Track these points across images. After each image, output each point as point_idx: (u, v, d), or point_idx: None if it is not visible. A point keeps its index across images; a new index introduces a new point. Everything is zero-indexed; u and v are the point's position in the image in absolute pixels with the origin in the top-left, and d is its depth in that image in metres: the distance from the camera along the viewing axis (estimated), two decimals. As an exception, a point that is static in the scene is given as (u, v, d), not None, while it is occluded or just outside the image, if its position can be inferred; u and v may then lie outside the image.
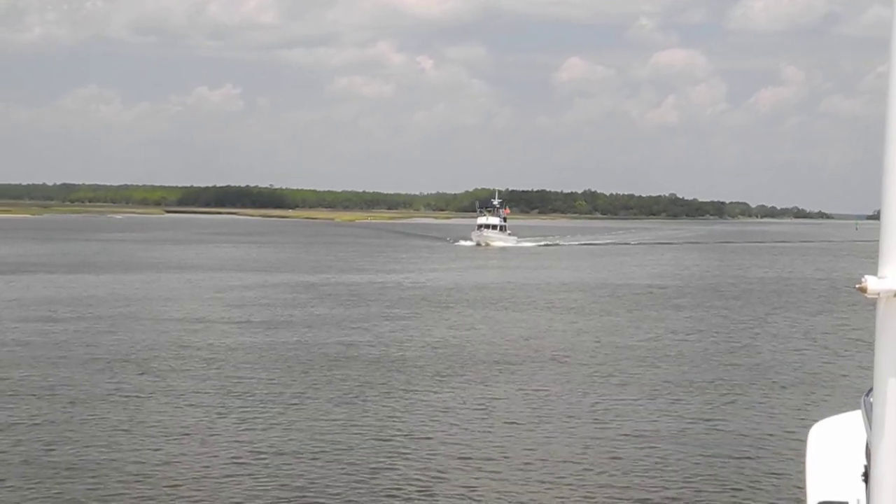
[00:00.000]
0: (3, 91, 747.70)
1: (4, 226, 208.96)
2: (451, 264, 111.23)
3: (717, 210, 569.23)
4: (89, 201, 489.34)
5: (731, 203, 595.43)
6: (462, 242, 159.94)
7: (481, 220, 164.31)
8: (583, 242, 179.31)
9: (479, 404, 33.79)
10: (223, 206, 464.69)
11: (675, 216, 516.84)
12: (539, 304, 67.39)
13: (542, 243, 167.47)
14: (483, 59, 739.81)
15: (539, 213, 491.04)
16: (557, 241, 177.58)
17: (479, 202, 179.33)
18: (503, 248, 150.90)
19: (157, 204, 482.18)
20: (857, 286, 4.04)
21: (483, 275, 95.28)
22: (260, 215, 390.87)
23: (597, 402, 34.32)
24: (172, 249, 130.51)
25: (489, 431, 29.97)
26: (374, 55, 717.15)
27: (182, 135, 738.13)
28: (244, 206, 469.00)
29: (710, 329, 55.49)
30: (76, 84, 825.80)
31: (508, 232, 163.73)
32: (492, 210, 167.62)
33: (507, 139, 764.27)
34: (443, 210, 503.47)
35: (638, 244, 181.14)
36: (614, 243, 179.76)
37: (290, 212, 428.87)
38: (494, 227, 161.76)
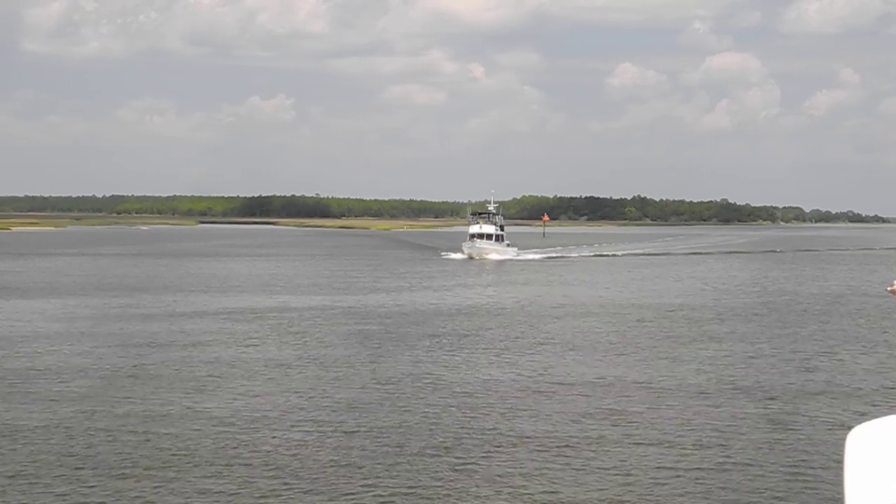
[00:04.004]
0: (61, 104, 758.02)
1: (6, 240, 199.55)
2: (427, 281, 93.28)
3: (770, 215, 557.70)
4: (136, 212, 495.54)
5: (784, 208, 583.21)
6: (451, 255, 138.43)
7: (474, 228, 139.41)
8: (597, 254, 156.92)
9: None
10: (268, 215, 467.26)
11: (726, 221, 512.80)
12: (521, 337, 53.91)
13: (548, 255, 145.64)
14: (535, 65, 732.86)
15: (588, 219, 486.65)
16: (569, 254, 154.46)
17: (470, 208, 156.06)
18: (499, 262, 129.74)
19: (203, 214, 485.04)
20: (888, 289, 3.25)
21: (444, 297, 75.74)
22: (296, 225, 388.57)
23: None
24: (149, 263, 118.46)
25: None
26: (427, 63, 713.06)
27: (234, 145, 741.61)
28: (290, 215, 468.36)
29: (750, 369, 41.89)
30: (131, 96, 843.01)
31: (507, 242, 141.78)
32: (486, 217, 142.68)
33: (558, 145, 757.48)
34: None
35: (670, 254, 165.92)
36: (648, 254, 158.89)
37: (326, 221, 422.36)
38: (489, 236, 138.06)
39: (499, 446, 29.03)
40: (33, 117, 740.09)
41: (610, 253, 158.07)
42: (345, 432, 30.51)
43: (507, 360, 44.36)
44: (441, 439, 29.70)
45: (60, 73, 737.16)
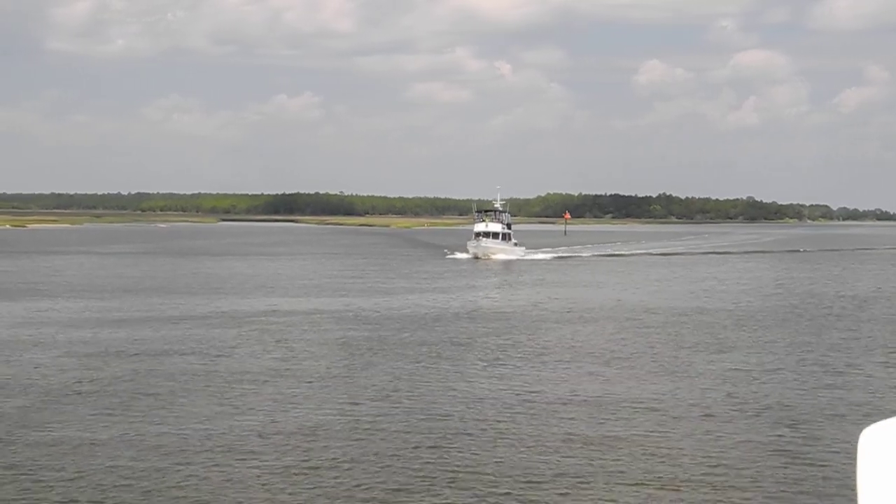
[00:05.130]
0: (88, 103, 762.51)
1: (23, 238, 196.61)
2: (426, 283, 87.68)
3: (796, 213, 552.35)
4: (160, 210, 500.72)
5: (811, 206, 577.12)
6: (457, 255, 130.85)
7: (479, 227, 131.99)
8: (610, 253, 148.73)
9: None
10: (292, 213, 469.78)
11: (752, 220, 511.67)
12: (517, 346, 49.54)
13: (558, 255, 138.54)
14: (561, 62, 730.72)
15: (613, 217, 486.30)
16: (581, 253, 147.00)
17: (476, 205, 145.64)
18: (506, 262, 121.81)
19: (226, 212, 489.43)
20: None
21: (439, 301, 69.12)
22: (317, 223, 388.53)
23: None
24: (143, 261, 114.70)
25: None
26: (452, 61, 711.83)
27: (260, 143, 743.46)
28: (314, 213, 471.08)
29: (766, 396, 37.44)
30: (157, 95, 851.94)
31: (514, 242, 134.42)
32: (493, 215, 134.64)
33: (583, 143, 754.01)
34: (514, 215, 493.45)
35: (689, 254, 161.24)
36: (665, 253, 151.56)
37: (348, 219, 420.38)
38: (496, 235, 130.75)
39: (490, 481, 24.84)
40: (60, 116, 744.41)
41: (625, 252, 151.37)
42: (333, 456, 26.35)
43: (496, 373, 39.94)
44: (418, 473, 25.50)
45: (86, 72, 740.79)
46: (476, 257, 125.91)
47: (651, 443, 28.99)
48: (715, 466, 26.57)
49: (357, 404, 33.68)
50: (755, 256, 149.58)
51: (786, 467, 26.62)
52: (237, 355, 43.55)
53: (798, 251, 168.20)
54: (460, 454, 27.40)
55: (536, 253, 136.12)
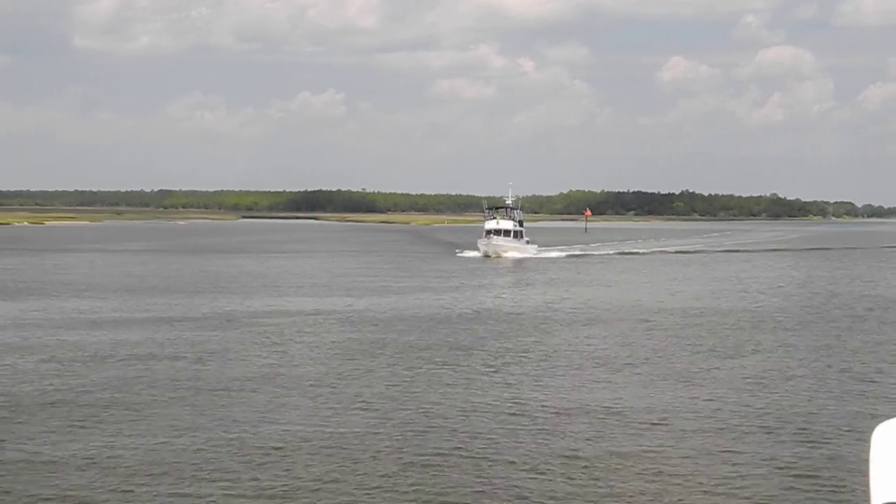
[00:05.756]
0: (112, 100, 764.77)
1: (40, 235, 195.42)
2: (434, 282, 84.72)
3: (821, 210, 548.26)
4: (182, 207, 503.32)
5: (835, 203, 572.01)
6: (468, 253, 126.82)
7: (490, 224, 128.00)
8: (626, 251, 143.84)
9: None
10: (314, 210, 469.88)
11: (776, 216, 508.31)
12: (523, 351, 47.10)
13: (572, 253, 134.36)
14: (585, 59, 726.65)
15: (635, 214, 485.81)
16: (596, 251, 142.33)
17: (486, 202, 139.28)
18: (517, 261, 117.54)
19: (249, 209, 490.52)
20: None
21: (445, 302, 66.45)
22: (338, 220, 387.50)
23: None
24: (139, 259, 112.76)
25: None
26: (476, 57, 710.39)
27: (283, 140, 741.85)
28: (336, 210, 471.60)
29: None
30: (181, 92, 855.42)
31: (526, 239, 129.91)
32: (504, 212, 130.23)
33: (607, 140, 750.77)
34: (536, 213, 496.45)
35: (708, 252, 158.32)
36: (683, 251, 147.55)
37: (368, 216, 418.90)
38: (507, 233, 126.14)
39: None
40: (84, 114, 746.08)
41: (641, 251, 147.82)
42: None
43: (498, 380, 37.46)
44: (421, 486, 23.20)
45: (111, 69, 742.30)
46: (487, 256, 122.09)
47: (662, 461, 26.65)
48: (729, 489, 24.19)
49: (347, 415, 31.38)
50: (777, 255, 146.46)
51: (807, 491, 24.21)
52: (226, 360, 41.24)
53: (825, 248, 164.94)
54: (456, 475, 25.12)
55: (550, 251, 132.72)
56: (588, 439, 28.88)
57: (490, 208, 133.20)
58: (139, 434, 28.66)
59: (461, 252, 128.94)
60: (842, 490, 24.21)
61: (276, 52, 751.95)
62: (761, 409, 33.08)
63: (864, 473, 4.64)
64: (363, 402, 33.42)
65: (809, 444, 28.46)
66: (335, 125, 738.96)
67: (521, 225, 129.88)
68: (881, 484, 4.53)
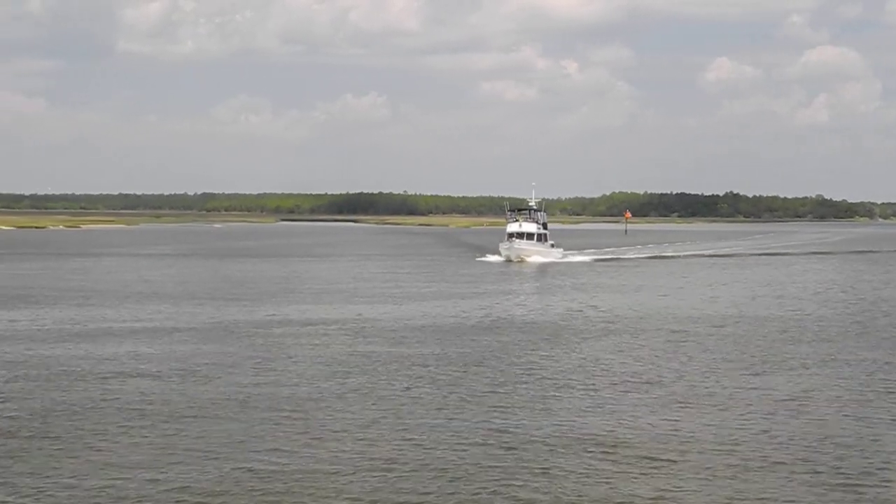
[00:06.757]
0: (158, 103, 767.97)
1: (72, 239, 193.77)
2: (456, 288, 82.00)
3: (867, 211, 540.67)
4: (224, 210, 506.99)
5: (882, 204, 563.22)
6: (489, 258, 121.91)
7: (513, 227, 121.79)
8: (659, 254, 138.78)
9: None
10: (355, 213, 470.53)
11: (821, 218, 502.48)
12: (535, 368, 43.17)
13: (598, 257, 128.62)
14: (628, 60, 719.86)
15: (679, 216, 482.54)
16: (622, 255, 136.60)
17: (508, 204, 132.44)
18: (541, 266, 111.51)
19: (290, 211, 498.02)
20: None
21: (473, 308, 63.72)
22: (376, 222, 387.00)
23: None
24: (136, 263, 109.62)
25: None
26: (519, 59, 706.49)
27: (327, 142, 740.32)
28: (377, 213, 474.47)
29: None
30: (227, 95, 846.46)
31: (550, 243, 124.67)
32: (527, 214, 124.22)
33: (650, 141, 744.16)
34: (579, 215, 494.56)
35: (745, 255, 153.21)
36: (719, 255, 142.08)
37: (408, 219, 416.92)
38: (530, 236, 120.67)
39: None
40: (130, 117, 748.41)
41: (671, 254, 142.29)
42: None
43: (505, 403, 33.54)
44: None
45: (156, 73, 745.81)
46: (509, 260, 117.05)
47: None
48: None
49: (334, 441, 27.72)
50: (821, 258, 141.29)
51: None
52: (201, 378, 37.63)
53: (871, 251, 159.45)
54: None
55: (577, 255, 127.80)
56: (585, 475, 25.05)
57: (512, 210, 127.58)
58: (75, 473, 25.17)
59: (482, 256, 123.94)
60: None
61: (319, 54, 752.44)
62: (797, 438, 29.05)
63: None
64: (354, 422, 29.71)
65: (854, 486, 24.50)
66: (378, 127, 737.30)
67: (544, 227, 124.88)
68: None
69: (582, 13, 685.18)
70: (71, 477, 24.45)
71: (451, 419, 30.91)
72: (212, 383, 36.51)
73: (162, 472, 24.79)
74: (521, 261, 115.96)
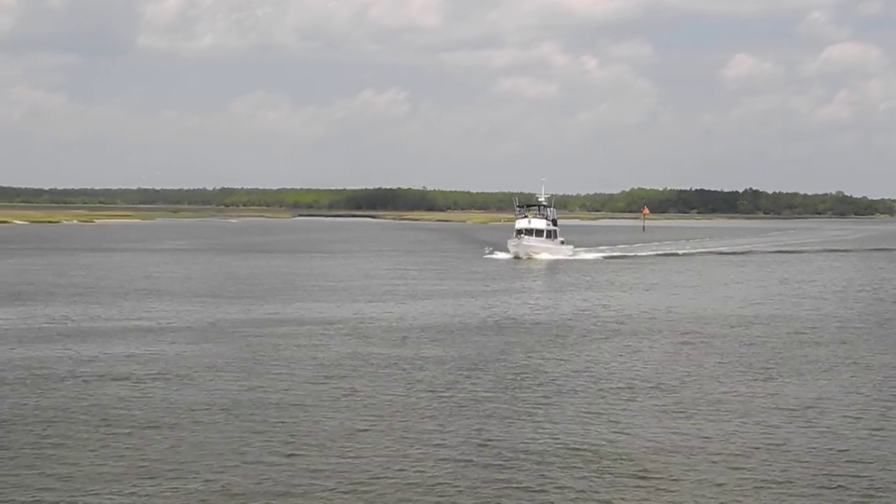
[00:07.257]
0: (176, 98, 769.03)
1: (85, 234, 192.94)
2: (461, 286, 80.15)
3: (888, 208, 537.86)
4: (243, 205, 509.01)
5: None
6: (497, 255, 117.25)
7: (521, 223, 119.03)
8: (669, 253, 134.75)
9: None
10: (374, 208, 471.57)
11: (841, 215, 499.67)
12: (532, 373, 41.32)
13: (609, 255, 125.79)
14: (648, 57, 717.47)
15: (698, 213, 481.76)
16: (634, 252, 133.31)
17: (517, 200, 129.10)
18: (550, 263, 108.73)
19: (309, 207, 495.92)
20: None
21: (477, 308, 62.25)
22: (394, 218, 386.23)
23: None
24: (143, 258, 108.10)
25: None
26: (538, 56, 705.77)
27: (346, 138, 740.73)
28: (395, 208, 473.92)
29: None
30: (245, 90, 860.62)
31: (560, 240, 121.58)
32: (537, 210, 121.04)
33: (670, 138, 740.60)
34: (598, 211, 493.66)
35: (762, 252, 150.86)
36: (732, 252, 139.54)
37: (425, 214, 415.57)
38: (539, 232, 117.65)
39: None
40: (148, 112, 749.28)
41: (689, 251, 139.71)
42: None
43: (502, 411, 31.73)
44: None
45: (175, 68, 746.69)
46: (517, 257, 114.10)
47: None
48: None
49: (316, 453, 25.97)
50: (840, 255, 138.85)
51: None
52: (197, 381, 35.93)
53: (888, 249, 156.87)
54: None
55: (589, 252, 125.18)
56: (581, 492, 23.23)
57: (521, 206, 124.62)
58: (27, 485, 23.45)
59: (490, 253, 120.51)
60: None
61: (339, 50, 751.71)
62: (812, 451, 27.15)
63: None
64: (341, 430, 27.95)
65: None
66: (397, 124, 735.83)
67: (554, 224, 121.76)
68: None
69: (601, 9, 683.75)
70: (24, 492, 22.75)
71: (444, 428, 29.10)
72: (197, 388, 34.80)
73: (131, 487, 23.08)
74: (530, 258, 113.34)
